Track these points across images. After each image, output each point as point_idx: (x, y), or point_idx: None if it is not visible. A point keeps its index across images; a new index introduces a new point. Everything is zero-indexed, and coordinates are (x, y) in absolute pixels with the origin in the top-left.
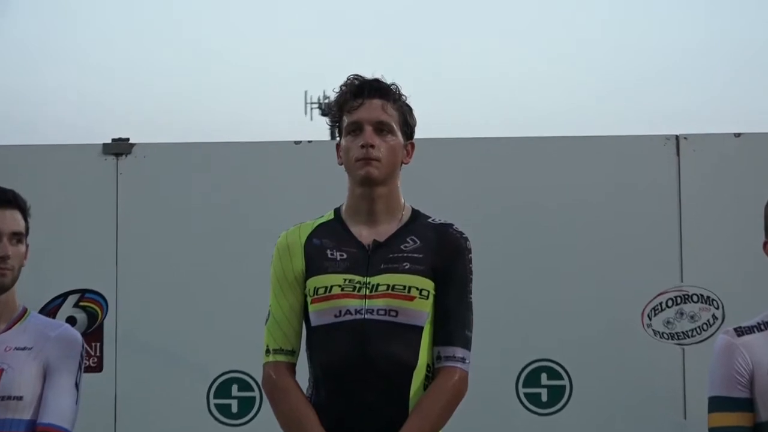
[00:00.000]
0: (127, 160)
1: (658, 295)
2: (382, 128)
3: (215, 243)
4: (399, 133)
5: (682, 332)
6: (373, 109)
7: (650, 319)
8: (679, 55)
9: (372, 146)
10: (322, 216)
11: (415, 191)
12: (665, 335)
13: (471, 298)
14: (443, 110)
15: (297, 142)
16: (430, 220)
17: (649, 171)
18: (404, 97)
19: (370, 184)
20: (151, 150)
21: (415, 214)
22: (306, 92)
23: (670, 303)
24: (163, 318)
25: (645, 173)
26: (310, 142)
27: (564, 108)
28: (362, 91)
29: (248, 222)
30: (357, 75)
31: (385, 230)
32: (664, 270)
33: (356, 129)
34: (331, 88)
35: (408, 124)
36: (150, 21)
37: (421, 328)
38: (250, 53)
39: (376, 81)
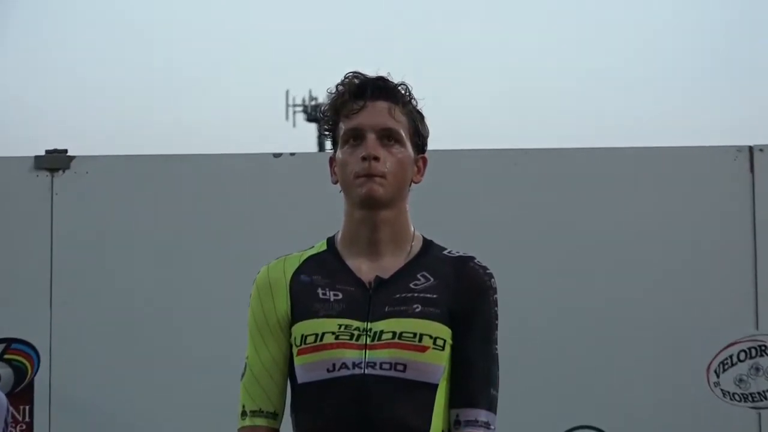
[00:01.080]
0: (65, 176)
1: (728, 346)
2: (388, 137)
3: (174, 280)
4: (408, 144)
5: (758, 393)
6: (377, 113)
7: (718, 377)
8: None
9: (376, 158)
10: (312, 246)
11: (428, 216)
12: (737, 396)
13: (497, 349)
14: (456, 117)
15: (277, 155)
16: (446, 252)
17: (716, 191)
18: (415, 101)
19: (373, 206)
20: (93, 164)
21: (428, 245)
22: (288, 92)
23: (742, 356)
24: (107, 374)
25: (711, 194)
26: (292, 154)
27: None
28: (364, 91)
29: (216, 253)
30: (357, 72)
31: (390, 264)
32: (735, 315)
33: (356, 137)
34: (318, 86)
35: (419, 134)
36: (92, 10)
37: (435, 386)
38: (215, 42)
39: (381, 79)
